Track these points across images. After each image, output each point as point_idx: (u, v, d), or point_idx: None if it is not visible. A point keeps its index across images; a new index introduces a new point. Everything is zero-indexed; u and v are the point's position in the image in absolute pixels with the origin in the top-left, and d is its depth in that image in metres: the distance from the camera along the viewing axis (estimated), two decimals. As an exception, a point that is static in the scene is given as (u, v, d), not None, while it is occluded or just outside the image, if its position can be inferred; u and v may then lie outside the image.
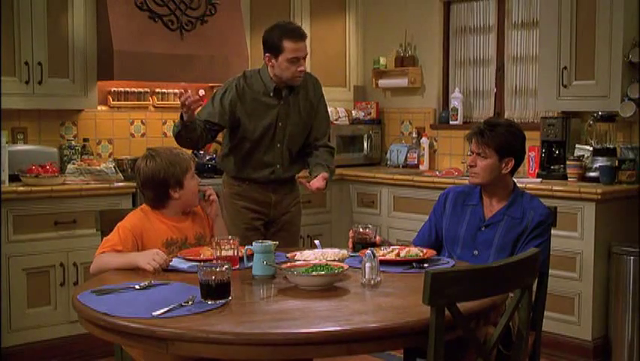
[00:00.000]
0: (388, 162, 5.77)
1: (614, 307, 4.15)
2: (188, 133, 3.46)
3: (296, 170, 3.79)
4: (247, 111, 3.59)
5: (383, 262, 2.61)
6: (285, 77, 3.55)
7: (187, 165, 2.91)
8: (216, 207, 3.04)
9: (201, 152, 4.84)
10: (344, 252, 2.78)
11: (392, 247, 2.89)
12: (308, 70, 5.51)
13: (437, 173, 5.20)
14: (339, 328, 2.00)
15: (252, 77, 3.65)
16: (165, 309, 2.11)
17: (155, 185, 2.86)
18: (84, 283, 2.93)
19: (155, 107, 5.15)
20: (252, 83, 3.62)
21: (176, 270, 2.64)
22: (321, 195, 5.23)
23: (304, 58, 3.54)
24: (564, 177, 4.52)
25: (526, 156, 3.14)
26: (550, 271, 2.90)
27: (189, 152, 3.27)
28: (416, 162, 5.61)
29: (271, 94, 3.60)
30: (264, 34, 3.60)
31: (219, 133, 3.73)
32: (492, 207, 2.95)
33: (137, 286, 2.39)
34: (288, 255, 2.76)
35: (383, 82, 5.86)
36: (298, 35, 3.52)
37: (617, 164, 4.35)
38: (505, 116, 5.17)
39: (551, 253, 2.95)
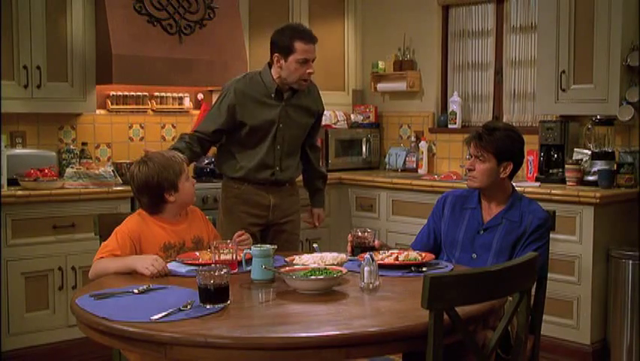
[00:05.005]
0: (387, 166, 5.78)
1: (612, 311, 4.15)
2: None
3: (294, 172, 3.78)
4: (248, 113, 3.58)
5: (382, 266, 2.62)
6: (292, 79, 3.54)
7: (180, 168, 2.91)
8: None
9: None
10: (343, 256, 2.78)
11: (391, 250, 2.88)
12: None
13: (436, 177, 5.20)
14: (337, 332, 2.00)
15: (253, 78, 3.64)
16: (164, 313, 2.11)
17: (149, 190, 2.86)
18: (83, 287, 2.93)
19: (153, 111, 5.15)
20: (253, 84, 3.61)
21: (174, 274, 2.64)
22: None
23: (313, 61, 3.54)
24: (563, 180, 4.52)
25: (524, 160, 3.14)
26: (548, 274, 2.90)
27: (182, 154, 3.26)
28: (415, 166, 5.61)
29: (272, 95, 3.59)
30: (274, 34, 3.58)
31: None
32: (491, 210, 2.95)
33: (135, 291, 2.39)
34: (287, 259, 2.76)
35: (382, 86, 5.86)
36: (310, 37, 3.53)
37: (615, 168, 4.35)
38: (504, 120, 5.18)
39: (550, 256, 2.95)
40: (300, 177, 3.91)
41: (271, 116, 3.59)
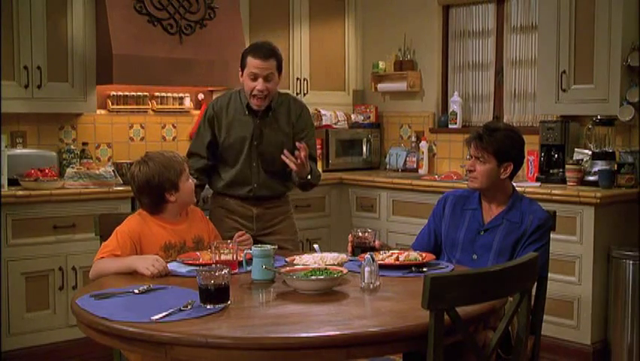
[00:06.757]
0: (387, 166, 5.78)
1: (613, 311, 4.15)
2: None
3: (278, 189, 3.64)
4: (223, 128, 3.55)
5: (382, 266, 2.62)
6: (247, 94, 3.46)
7: (181, 168, 2.91)
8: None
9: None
10: (343, 256, 2.78)
11: (391, 251, 2.88)
12: (305, 75, 5.58)
13: (436, 177, 5.20)
14: (338, 332, 2.00)
15: (232, 96, 3.60)
16: (164, 313, 2.11)
17: (150, 190, 2.86)
18: (83, 287, 2.93)
19: (154, 111, 5.15)
20: (231, 101, 3.58)
21: (175, 274, 2.64)
22: (320, 199, 5.24)
23: (265, 78, 3.39)
24: (563, 181, 4.52)
25: (525, 160, 3.14)
26: (549, 275, 2.90)
27: (182, 154, 3.26)
28: (415, 166, 5.61)
29: (246, 112, 3.53)
30: None
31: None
32: (491, 211, 2.95)
33: (136, 291, 2.39)
34: (287, 259, 2.76)
35: (382, 86, 5.86)
36: (261, 53, 3.40)
37: (616, 168, 4.35)
38: (504, 120, 5.18)
39: (550, 256, 2.95)
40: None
41: (244, 132, 3.52)
